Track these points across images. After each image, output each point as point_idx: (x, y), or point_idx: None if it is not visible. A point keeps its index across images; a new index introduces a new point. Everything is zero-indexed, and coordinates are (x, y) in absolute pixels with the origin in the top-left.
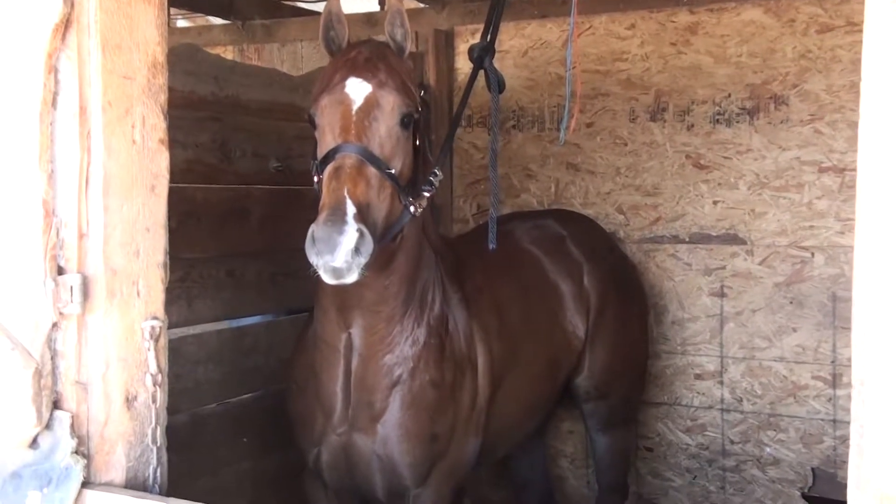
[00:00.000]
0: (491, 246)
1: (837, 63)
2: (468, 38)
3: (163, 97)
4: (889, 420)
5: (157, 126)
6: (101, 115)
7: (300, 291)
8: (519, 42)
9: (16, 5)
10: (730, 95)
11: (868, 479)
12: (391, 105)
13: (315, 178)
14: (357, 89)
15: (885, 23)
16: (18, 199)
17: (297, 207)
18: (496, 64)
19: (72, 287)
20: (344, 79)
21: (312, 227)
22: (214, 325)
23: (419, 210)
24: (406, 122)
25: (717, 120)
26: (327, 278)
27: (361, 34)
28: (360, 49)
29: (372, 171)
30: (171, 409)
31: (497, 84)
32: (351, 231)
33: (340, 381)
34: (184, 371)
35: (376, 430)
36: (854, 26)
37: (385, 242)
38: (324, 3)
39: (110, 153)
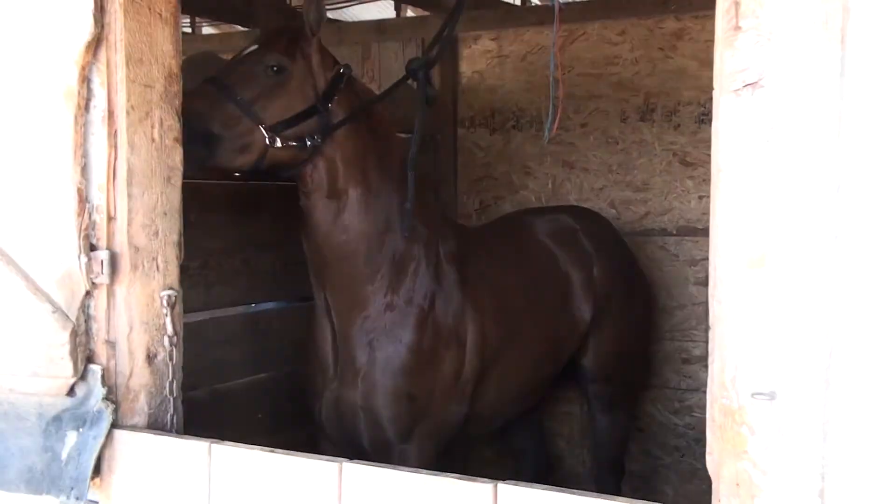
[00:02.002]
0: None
1: None
2: (471, 43)
3: (177, 102)
4: (726, 352)
5: (173, 126)
6: (125, 117)
7: (310, 280)
8: (518, 47)
9: (55, 26)
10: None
11: (716, 397)
12: (259, 55)
13: None
14: (244, 51)
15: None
16: (58, 188)
17: None
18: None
19: (102, 261)
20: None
21: None
22: (231, 310)
23: (275, 141)
24: (274, 70)
25: (702, 120)
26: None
27: (371, 42)
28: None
29: (216, 94)
30: (192, 385)
31: (426, 98)
32: None
33: (329, 340)
34: (203, 351)
35: (358, 384)
36: None
37: (259, 165)
38: (341, 10)
39: (133, 149)
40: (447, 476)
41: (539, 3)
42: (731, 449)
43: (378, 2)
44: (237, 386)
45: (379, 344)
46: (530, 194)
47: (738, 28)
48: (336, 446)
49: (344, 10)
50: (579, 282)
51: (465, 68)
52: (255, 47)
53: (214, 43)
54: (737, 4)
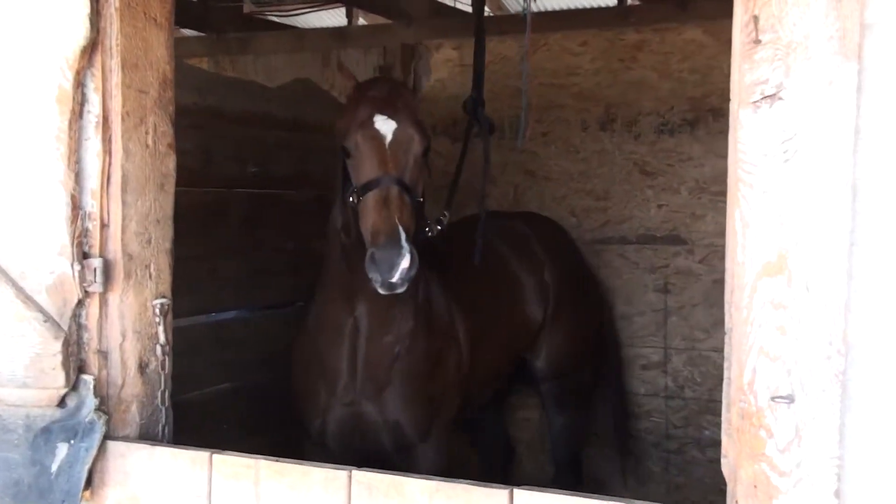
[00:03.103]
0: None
1: None
2: (434, 52)
3: (171, 108)
4: (744, 357)
5: (167, 133)
6: (119, 123)
7: (275, 288)
8: None
9: (49, 30)
10: (673, 108)
11: (734, 400)
12: (416, 141)
13: (351, 199)
14: (385, 126)
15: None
16: (50, 194)
17: (273, 210)
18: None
19: (95, 269)
20: (371, 115)
21: (372, 250)
22: (195, 319)
23: (432, 234)
24: (424, 155)
25: (662, 130)
26: (383, 290)
27: (331, 49)
28: (378, 86)
29: (408, 199)
30: None
31: (489, 127)
32: (406, 254)
33: (345, 359)
34: None
35: (382, 399)
36: None
37: None
38: (295, 18)
39: (128, 156)
40: (461, 482)
41: (491, 13)
42: (748, 451)
43: (331, 10)
44: (201, 396)
45: (402, 359)
46: (492, 202)
47: (757, 41)
48: (334, 458)
49: (295, 17)
50: (530, 284)
51: (429, 77)
52: (388, 121)
53: None
54: (755, 19)
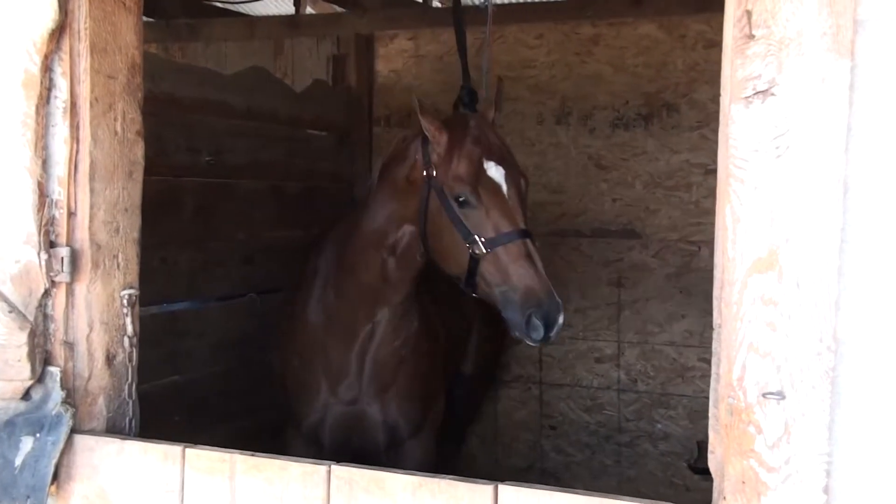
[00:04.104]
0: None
1: None
2: (387, 42)
3: (140, 94)
4: (734, 353)
5: (135, 119)
6: (88, 109)
7: (228, 279)
8: (436, 47)
9: (17, 13)
10: (627, 102)
11: (723, 396)
12: (524, 186)
13: (468, 247)
14: (504, 176)
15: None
16: (15, 182)
17: (226, 199)
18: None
19: (62, 258)
20: (486, 162)
21: (530, 311)
22: (148, 310)
23: None
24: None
25: (616, 124)
26: (534, 343)
27: (283, 37)
28: (475, 127)
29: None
30: None
31: None
32: (562, 309)
33: (354, 360)
34: None
35: (384, 398)
36: None
37: None
38: (247, 5)
39: (96, 143)
40: (445, 477)
41: (440, 5)
42: (736, 447)
43: None
44: (153, 388)
45: (407, 361)
46: None
47: (750, 37)
48: (326, 453)
49: (244, 5)
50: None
51: (382, 67)
52: (501, 170)
53: None
54: (749, 14)
